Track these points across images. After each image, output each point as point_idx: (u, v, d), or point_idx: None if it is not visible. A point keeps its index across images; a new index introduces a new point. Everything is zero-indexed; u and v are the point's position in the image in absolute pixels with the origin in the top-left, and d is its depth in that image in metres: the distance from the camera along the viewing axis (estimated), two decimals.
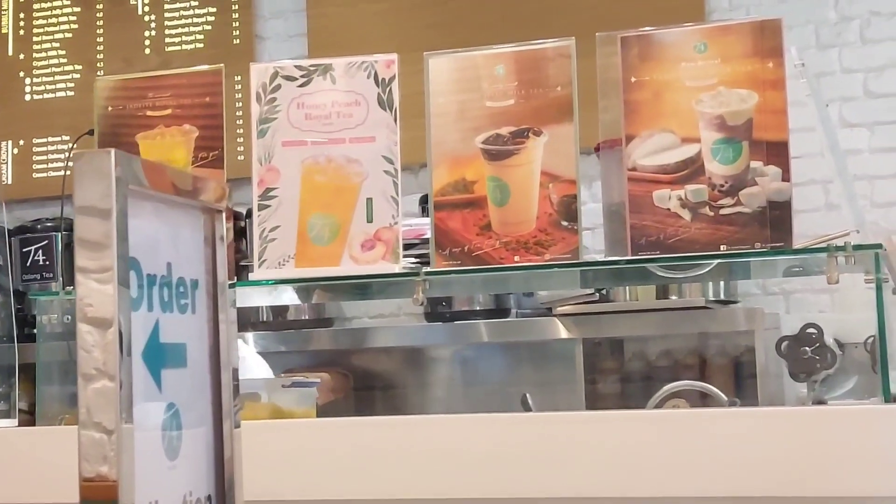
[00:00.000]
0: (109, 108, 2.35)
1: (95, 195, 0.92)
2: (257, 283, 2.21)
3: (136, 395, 0.96)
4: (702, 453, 1.76)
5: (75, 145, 2.58)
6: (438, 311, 4.20)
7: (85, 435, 0.93)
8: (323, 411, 2.47)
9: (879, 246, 1.93)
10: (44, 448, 1.98)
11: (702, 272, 2.26)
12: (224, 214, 1.13)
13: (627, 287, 3.98)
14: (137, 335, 0.98)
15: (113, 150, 0.92)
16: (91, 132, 2.40)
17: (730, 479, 1.74)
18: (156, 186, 1.02)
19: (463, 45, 2.27)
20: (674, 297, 3.93)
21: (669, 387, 3.21)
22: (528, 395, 2.54)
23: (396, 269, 2.18)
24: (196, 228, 1.11)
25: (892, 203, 4.09)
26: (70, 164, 3.04)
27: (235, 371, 1.13)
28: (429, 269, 2.16)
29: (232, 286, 1.14)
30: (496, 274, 2.21)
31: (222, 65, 2.35)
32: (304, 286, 2.42)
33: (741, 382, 3.98)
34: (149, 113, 2.33)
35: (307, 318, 4.35)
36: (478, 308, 4.18)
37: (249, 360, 3.12)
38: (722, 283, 3.95)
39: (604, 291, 3.97)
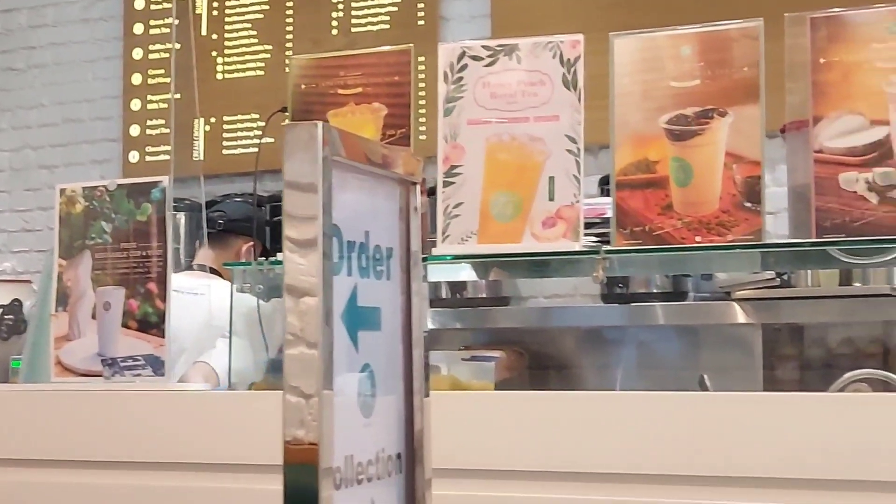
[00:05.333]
0: (302, 86, 2.43)
1: (304, 166, 0.97)
2: (441, 257, 2.27)
3: (335, 356, 1.02)
4: (882, 437, 1.74)
5: (267, 122, 2.70)
6: (615, 292, 4.20)
7: (288, 400, 0.99)
8: (498, 388, 2.52)
9: None
10: (246, 412, 2.07)
11: (886, 258, 2.23)
12: (418, 187, 1.17)
13: (809, 272, 3.92)
14: (337, 298, 1.04)
15: (320, 123, 0.97)
16: (284, 109, 2.49)
17: None
18: (356, 158, 1.07)
19: (647, 25, 2.28)
20: (857, 284, 3.84)
21: (851, 374, 3.15)
22: (705, 376, 2.54)
23: (577, 247, 2.21)
24: (392, 199, 1.16)
25: None
26: (262, 140, 3.15)
27: (426, 339, 1.17)
28: (609, 247, 2.18)
29: (424, 259, 1.19)
30: (676, 254, 2.22)
31: (411, 45, 2.41)
32: (484, 263, 2.47)
33: None
34: (340, 91, 2.41)
35: (484, 296, 4.40)
36: (655, 290, 4.17)
37: None
38: None
39: (785, 276, 3.91)
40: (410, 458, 1.16)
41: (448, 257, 2.29)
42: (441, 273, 2.85)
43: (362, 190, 1.09)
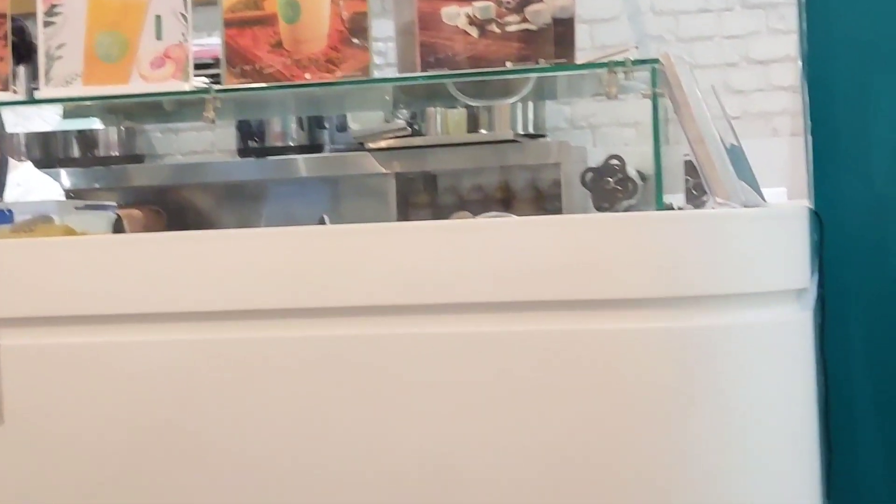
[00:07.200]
0: None
1: None
2: (43, 101, 2.17)
3: None
4: (482, 261, 1.80)
5: None
6: (250, 146, 4.18)
7: None
8: None
9: (657, 61, 1.99)
10: None
11: (503, 100, 2.31)
12: None
13: (440, 121, 4.02)
14: None
15: None
16: None
17: (513, 284, 1.79)
18: None
19: None
20: (483, 131, 3.97)
21: (479, 218, 3.27)
22: (325, 216, 2.57)
23: (186, 87, 2.16)
24: None
25: (697, 38, 4.18)
26: None
27: None
28: (219, 86, 2.15)
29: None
30: (289, 92, 2.21)
31: None
32: (106, 110, 2.39)
33: (548, 214, 4.07)
34: None
35: (117, 154, 4.27)
36: (291, 143, 4.17)
37: (40, 183, 3.05)
38: (531, 116, 4.01)
39: (416, 126, 3.99)
40: None
41: (52, 100, 2.19)
42: (53, 119, 2.73)
43: None
